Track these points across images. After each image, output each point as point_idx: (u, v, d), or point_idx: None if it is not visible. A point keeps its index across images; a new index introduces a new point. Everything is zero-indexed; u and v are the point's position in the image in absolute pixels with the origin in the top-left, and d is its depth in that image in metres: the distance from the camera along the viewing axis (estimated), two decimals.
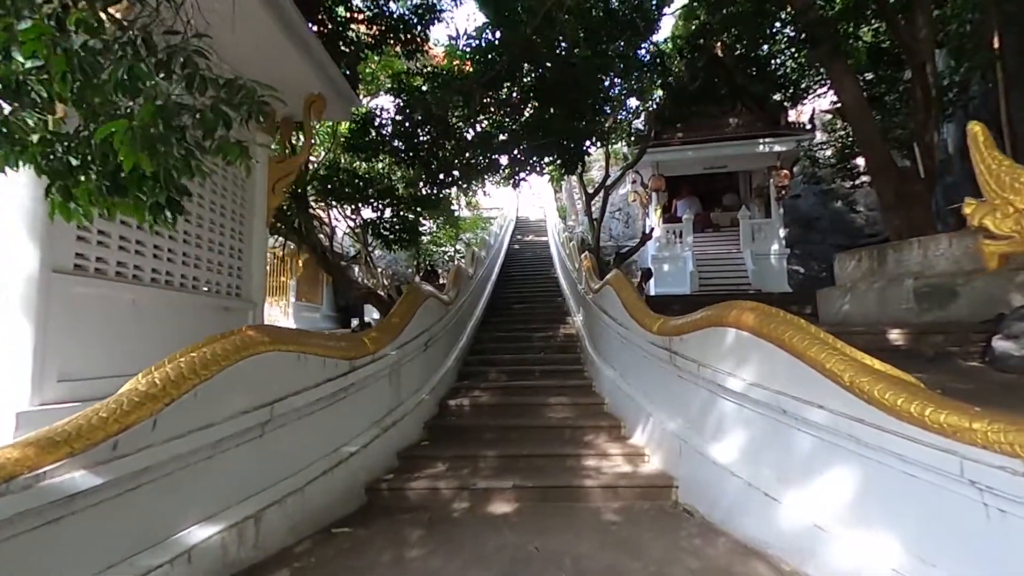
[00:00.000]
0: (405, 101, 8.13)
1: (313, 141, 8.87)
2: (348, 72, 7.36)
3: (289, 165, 5.87)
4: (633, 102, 14.85)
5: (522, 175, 9.23)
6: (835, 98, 14.37)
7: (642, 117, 15.91)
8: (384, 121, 8.10)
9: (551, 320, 8.86)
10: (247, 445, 2.86)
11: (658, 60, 10.32)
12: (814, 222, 19.34)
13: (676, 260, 15.89)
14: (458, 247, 18.68)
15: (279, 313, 19.78)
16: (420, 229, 7.94)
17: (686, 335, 3.69)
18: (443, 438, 4.62)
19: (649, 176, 17.19)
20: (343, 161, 8.17)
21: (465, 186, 9.27)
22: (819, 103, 15.78)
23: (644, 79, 9.83)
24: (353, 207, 7.99)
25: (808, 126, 15.27)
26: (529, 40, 7.08)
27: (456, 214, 19.60)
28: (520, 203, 27.13)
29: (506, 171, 9.40)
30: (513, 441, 4.44)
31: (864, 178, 18.30)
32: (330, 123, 9.35)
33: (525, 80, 7.77)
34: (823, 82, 14.53)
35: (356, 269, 17.93)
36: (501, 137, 9.22)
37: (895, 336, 6.67)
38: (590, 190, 15.60)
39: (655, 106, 12.03)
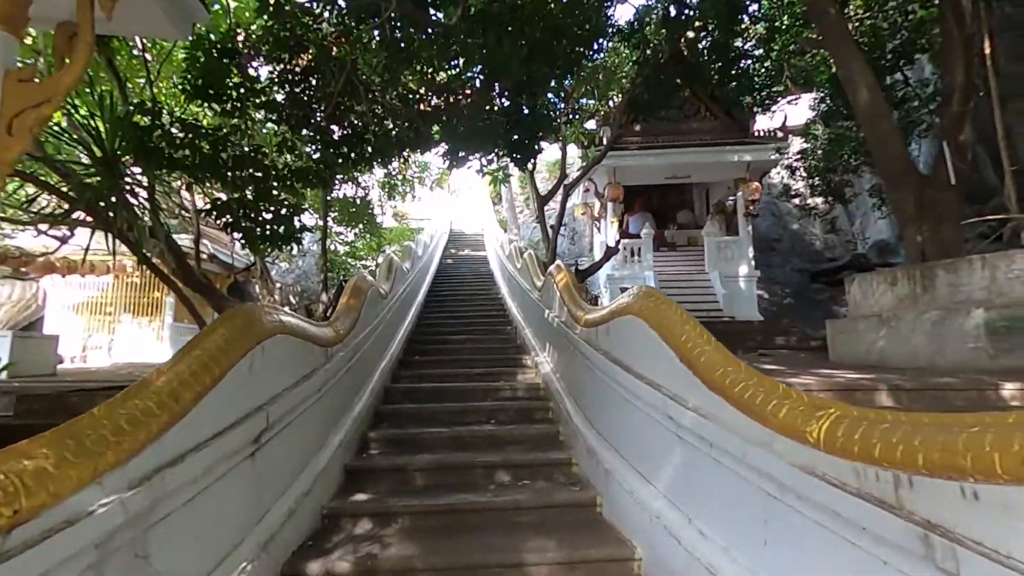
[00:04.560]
0: (287, 28, 5.34)
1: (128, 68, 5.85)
2: None
3: (44, 89, 2.92)
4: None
5: (467, 156, 6.61)
6: (827, 92, 12.90)
7: (600, 115, 13.88)
8: (253, 52, 5.26)
9: (502, 361, 6.17)
10: None
11: (636, 25, 8.12)
12: (774, 244, 17.95)
13: (635, 280, 13.67)
14: (380, 260, 15.74)
15: (152, 336, 15.91)
16: (303, 220, 5.05)
17: None
18: None
19: (604, 185, 15.09)
20: (175, 108, 5.28)
21: (383, 163, 6.54)
22: (790, 111, 14.30)
23: (624, 41, 7.60)
24: (189, 180, 4.99)
25: (780, 135, 13.73)
26: None
27: (379, 222, 16.72)
28: (454, 216, 24.48)
29: (444, 150, 6.74)
30: None
31: (817, 200, 17.15)
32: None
33: None
34: (800, 87, 13.09)
35: (256, 285, 14.49)
36: (434, 101, 6.60)
37: (1010, 390, 4.54)
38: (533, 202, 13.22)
39: (627, 89, 9.84)
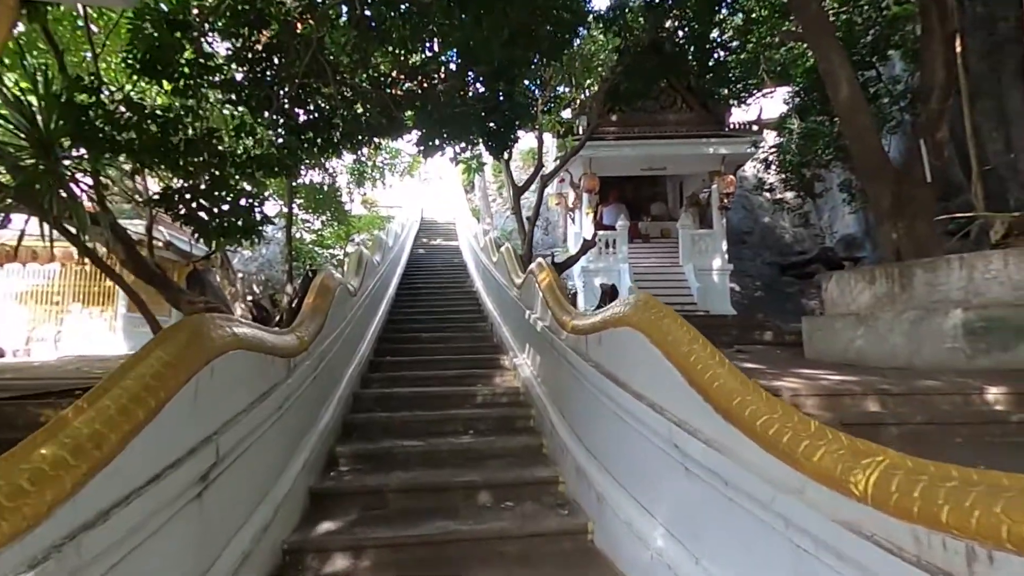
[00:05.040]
0: (246, 1, 4.88)
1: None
2: None
3: None
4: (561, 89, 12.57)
5: (441, 144, 6.24)
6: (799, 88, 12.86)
7: (576, 104, 13.59)
8: (208, 25, 4.79)
9: (479, 362, 5.88)
10: None
11: (617, 12, 7.84)
12: (745, 236, 18.07)
13: (610, 273, 13.56)
14: (349, 249, 15.17)
15: (104, 327, 15.06)
16: (264, 211, 4.64)
17: None
18: None
19: (580, 175, 14.85)
20: (127, 85, 4.77)
21: (352, 149, 6.14)
22: (765, 104, 14.27)
23: (605, 27, 7.32)
24: (134, 164, 4.52)
25: (755, 128, 13.70)
26: None
27: (348, 210, 16.13)
28: (425, 204, 23.93)
29: (416, 137, 6.37)
30: None
31: (788, 194, 17.29)
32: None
33: None
34: (776, 80, 13.05)
35: (217, 274, 13.85)
36: (407, 85, 6.22)
37: (994, 394, 4.50)
38: (507, 191, 12.90)
39: (606, 78, 9.57)
